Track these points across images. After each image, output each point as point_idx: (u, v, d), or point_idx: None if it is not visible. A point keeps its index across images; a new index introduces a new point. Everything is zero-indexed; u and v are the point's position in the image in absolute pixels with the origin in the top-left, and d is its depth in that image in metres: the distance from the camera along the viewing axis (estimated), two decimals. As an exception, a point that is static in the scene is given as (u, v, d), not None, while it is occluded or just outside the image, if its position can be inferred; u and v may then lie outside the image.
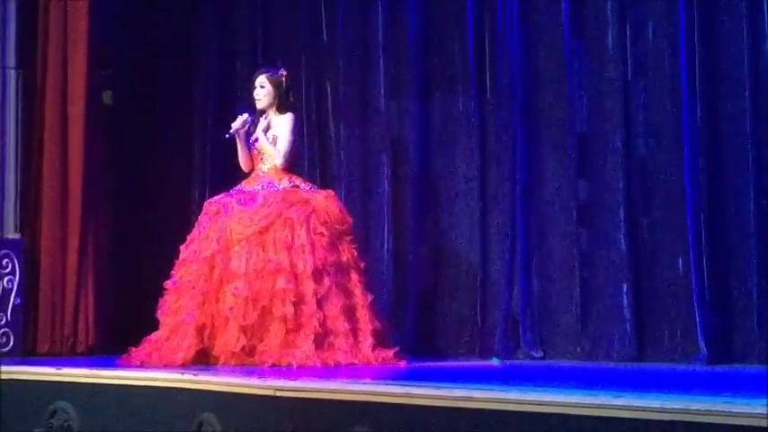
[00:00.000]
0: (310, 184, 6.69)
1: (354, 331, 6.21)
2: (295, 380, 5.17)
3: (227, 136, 6.66)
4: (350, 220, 6.55)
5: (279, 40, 8.03)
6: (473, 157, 7.15)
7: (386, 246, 7.41)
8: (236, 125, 6.62)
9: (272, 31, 8.06)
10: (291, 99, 6.79)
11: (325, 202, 6.48)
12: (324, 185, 7.11)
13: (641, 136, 6.55)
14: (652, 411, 3.88)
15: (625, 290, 6.47)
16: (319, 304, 6.17)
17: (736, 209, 6.22)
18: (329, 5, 7.78)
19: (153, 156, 8.27)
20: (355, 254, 6.46)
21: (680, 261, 6.32)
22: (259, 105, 6.66)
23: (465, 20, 7.21)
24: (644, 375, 5.59)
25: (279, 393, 4.94)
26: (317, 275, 6.21)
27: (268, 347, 6.09)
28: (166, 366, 6.01)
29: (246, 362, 6.08)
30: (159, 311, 6.44)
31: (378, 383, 4.97)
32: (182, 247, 6.55)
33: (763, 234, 6.08)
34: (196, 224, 6.60)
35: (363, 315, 6.29)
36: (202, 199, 7.85)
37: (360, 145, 7.64)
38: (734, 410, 3.70)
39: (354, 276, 6.39)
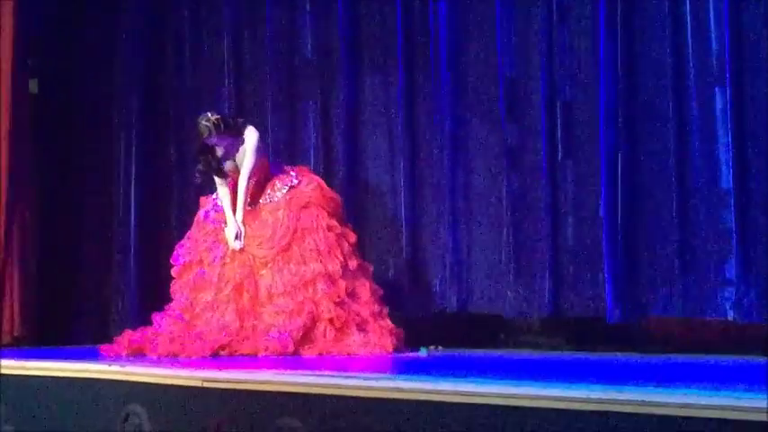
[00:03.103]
0: (290, 169, 6.72)
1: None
2: (222, 371, 5.18)
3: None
4: (339, 199, 6.76)
5: (204, 22, 7.97)
6: (401, 111, 7.13)
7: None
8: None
9: (200, 15, 8.03)
10: (239, 120, 6.71)
11: (320, 192, 6.62)
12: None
13: (565, 81, 6.59)
14: (578, 402, 3.97)
15: (551, 235, 6.53)
16: (352, 297, 6.41)
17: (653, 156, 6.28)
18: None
19: (78, 148, 8.20)
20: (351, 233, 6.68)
21: (599, 207, 6.36)
22: (205, 133, 6.47)
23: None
24: (570, 365, 5.66)
25: (206, 384, 4.96)
26: (345, 272, 6.44)
27: (316, 344, 6.26)
28: (192, 354, 6.04)
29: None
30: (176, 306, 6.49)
31: (304, 375, 4.99)
32: (179, 251, 6.65)
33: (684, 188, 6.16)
34: (191, 239, 6.66)
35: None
36: (125, 189, 7.85)
37: (287, 111, 7.61)
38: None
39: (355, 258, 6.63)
